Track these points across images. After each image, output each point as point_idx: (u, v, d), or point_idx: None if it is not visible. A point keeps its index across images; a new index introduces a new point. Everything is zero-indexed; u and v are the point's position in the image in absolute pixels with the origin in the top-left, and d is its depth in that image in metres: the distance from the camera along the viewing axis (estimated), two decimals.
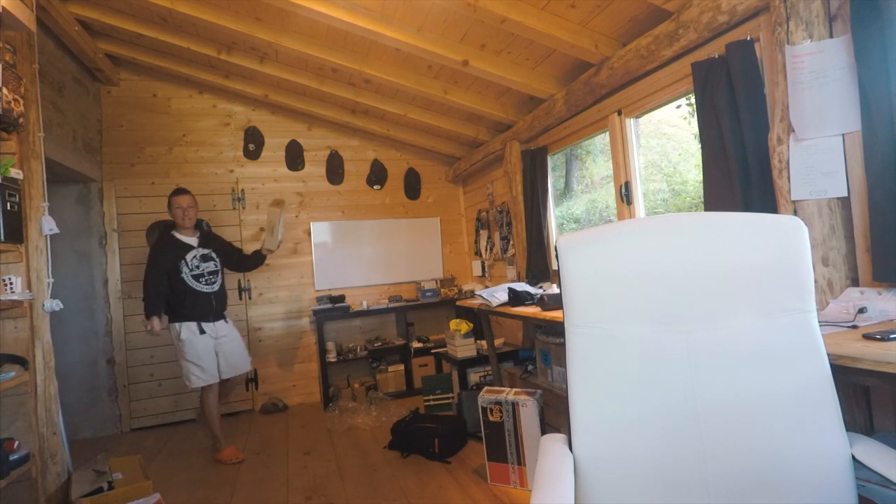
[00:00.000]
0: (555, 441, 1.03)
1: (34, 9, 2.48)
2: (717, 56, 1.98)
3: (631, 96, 2.63)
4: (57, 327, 2.75)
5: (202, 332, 3.08)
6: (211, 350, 3.12)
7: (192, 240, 3.18)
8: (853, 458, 0.94)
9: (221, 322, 3.23)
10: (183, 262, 3.09)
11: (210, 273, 3.17)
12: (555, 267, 3.12)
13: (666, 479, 0.96)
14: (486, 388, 2.69)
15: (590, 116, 2.97)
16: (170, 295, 3.10)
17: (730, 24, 1.94)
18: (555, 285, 3.23)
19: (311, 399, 4.43)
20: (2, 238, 2.12)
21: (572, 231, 1.09)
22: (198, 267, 3.13)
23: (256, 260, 3.44)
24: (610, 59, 2.54)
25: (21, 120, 2.33)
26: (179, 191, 3.19)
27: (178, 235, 3.15)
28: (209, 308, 3.13)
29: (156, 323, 2.98)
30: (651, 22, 2.30)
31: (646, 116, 2.78)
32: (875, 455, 0.91)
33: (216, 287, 3.19)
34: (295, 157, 4.56)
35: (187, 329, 3.06)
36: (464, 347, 3.74)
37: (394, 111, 3.97)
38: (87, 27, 3.40)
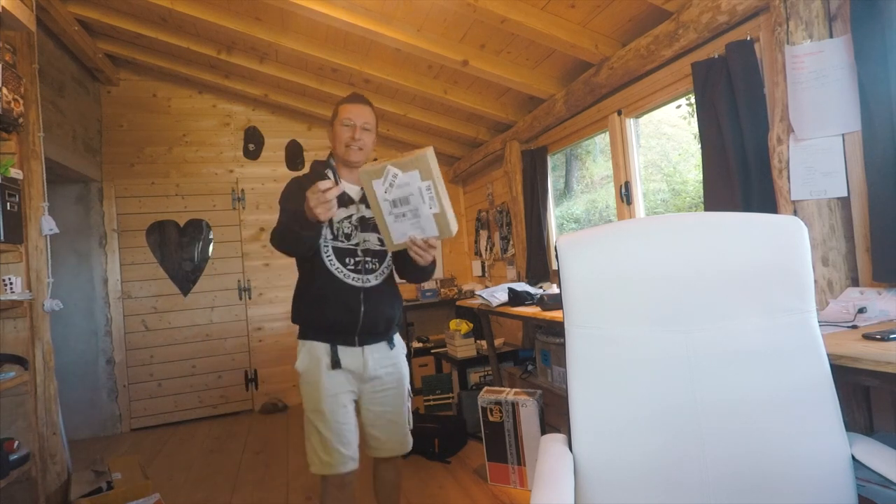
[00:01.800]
0: (554, 441, 1.03)
1: (34, 9, 2.48)
2: (716, 56, 1.98)
3: (631, 96, 2.64)
4: (57, 327, 2.75)
5: (335, 364, 1.59)
6: (348, 403, 1.63)
7: (356, 189, 1.67)
8: (853, 458, 0.94)
9: (380, 348, 1.68)
10: (327, 223, 1.60)
11: (370, 254, 1.66)
12: (555, 267, 3.12)
13: (666, 480, 0.96)
14: (486, 388, 2.69)
15: (590, 116, 2.97)
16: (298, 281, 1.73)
17: (730, 24, 1.94)
18: (555, 285, 3.23)
19: None
20: (2, 238, 2.12)
21: (572, 231, 1.09)
22: (348, 237, 1.63)
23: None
24: (610, 59, 2.54)
25: (21, 120, 2.33)
26: (354, 97, 1.71)
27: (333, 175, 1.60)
28: (353, 315, 1.61)
29: (323, 184, 1.38)
30: (651, 22, 2.30)
31: (646, 116, 2.77)
32: (875, 455, 0.91)
33: (374, 281, 1.66)
34: (295, 156, 4.56)
35: (309, 352, 1.62)
36: (464, 347, 3.73)
37: (394, 111, 3.97)
38: (87, 27, 3.40)
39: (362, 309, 1.60)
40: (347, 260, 1.61)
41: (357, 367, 1.61)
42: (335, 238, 1.60)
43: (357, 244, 1.62)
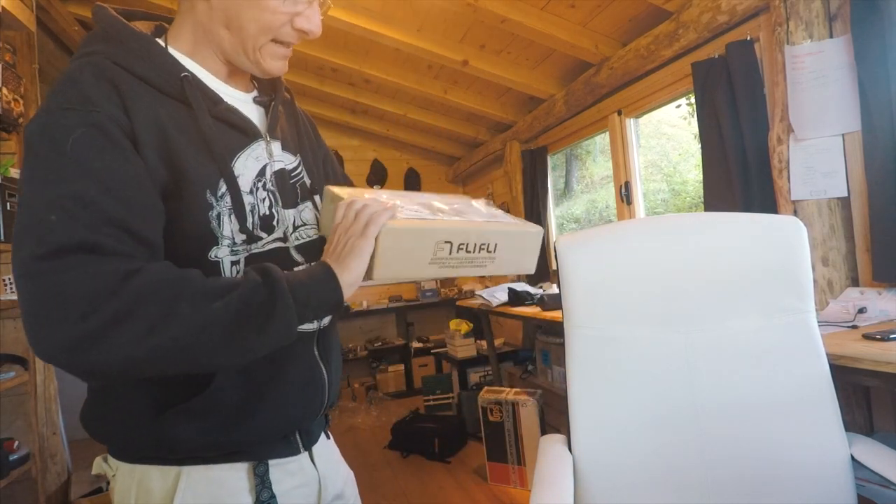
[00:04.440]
0: (554, 442, 1.03)
1: (34, 9, 2.48)
2: (717, 56, 1.98)
3: (631, 96, 2.63)
4: None
5: None
6: None
7: (252, 110, 0.76)
8: (852, 458, 0.94)
9: (324, 442, 0.83)
10: (224, 178, 0.65)
11: (311, 253, 0.75)
12: (554, 267, 3.12)
13: (665, 480, 0.96)
14: (486, 388, 2.69)
15: (590, 116, 2.97)
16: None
17: (730, 24, 1.94)
18: (555, 285, 3.23)
19: None
20: (2, 238, 2.13)
21: (572, 231, 1.09)
22: (267, 223, 0.69)
23: None
24: (610, 59, 2.54)
25: (21, 120, 2.33)
26: None
27: (213, 79, 0.71)
28: (313, 395, 0.73)
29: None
30: (651, 22, 2.30)
31: (646, 116, 2.78)
32: (874, 455, 0.91)
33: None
34: None
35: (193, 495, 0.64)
36: (464, 347, 3.73)
37: (394, 111, 3.97)
38: (87, 27, 3.40)
39: (325, 376, 0.76)
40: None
41: (308, 497, 0.75)
42: (250, 237, 0.67)
43: (284, 236, 0.72)
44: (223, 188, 0.65)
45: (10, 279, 2.22)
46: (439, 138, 4.56)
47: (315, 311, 0.60)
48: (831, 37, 1.60)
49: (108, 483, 0.66)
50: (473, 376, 3.76)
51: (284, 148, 0.77)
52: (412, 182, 4.91)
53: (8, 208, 2.17)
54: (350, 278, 0.61)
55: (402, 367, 4.45)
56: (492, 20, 2.46)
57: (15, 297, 2.21)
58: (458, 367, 3.70)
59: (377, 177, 4.79)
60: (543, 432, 2.46)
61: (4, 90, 2.18)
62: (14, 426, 2.24)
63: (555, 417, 2.85)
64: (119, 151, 0.58)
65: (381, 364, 4.50)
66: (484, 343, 3.68)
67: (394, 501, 2.44)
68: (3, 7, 2.17)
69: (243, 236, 0.66)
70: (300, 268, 0.73)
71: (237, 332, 0.55)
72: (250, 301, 0.55)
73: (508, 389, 2.62)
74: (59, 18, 3.01)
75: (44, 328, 0.51)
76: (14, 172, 2.26)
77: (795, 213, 1.65)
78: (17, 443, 2.11)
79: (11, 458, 2.06)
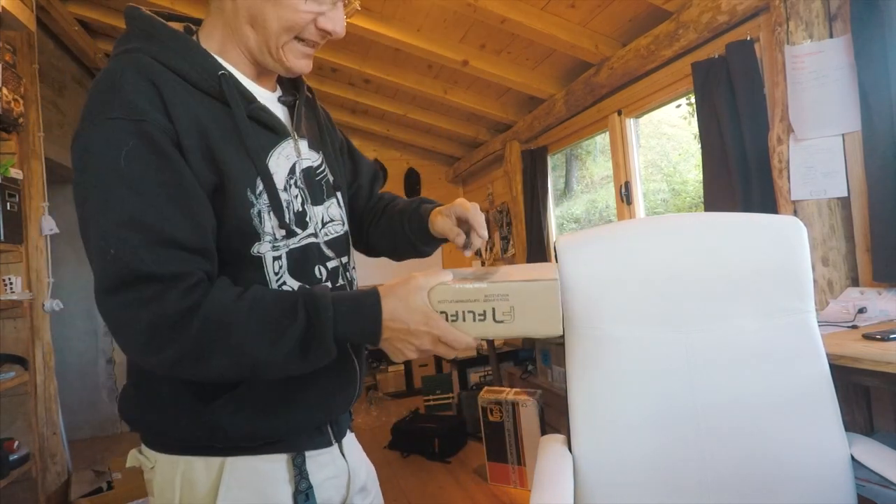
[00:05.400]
0: (554, 442, 1.03)
1: (34, 9, 2.48)
2: (717, 56, 1.98)
3: (631, 96, 2.63)
4: (57, 327, 2.75)
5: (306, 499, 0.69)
6: None
7: (277, 109, 0.75)
8: (852, 458, 0.94)
9: (349, 436, 0.86)
10: (260, 176, 0.67)
11: (340, 248, 0.79)
12: None
13: (665, 480, 0.96)
14: (486, 388, 2.69)
15: (590, 116, 2.97)
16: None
17: (730, 24, 1.94)
18: None
19: None
20: (2, 238, 2.12)
21: (572, 231, 1.09)
22: (301, 219, 0.72)
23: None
24: (610, 59, 2.54)
25: (21, 120, 2.33)
26: None
27: (244, 79, 0.72)
28: (348, 384, 0.76)
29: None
30: (651, 22, 2.30)
31: (646, 116, 2.78)
32: (874, 455, 0.91)
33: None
34: None
35: (236, 487, 0.66)
36: None
37: (394, 111, 3.97)
38: (87, 27, 3.40)
39: (357, 366, 0.77)
40: (316, 272, 0.73)
41: (339, 489, 0.77)
42: (289, 232, 0.70)
43: (315, 231, 0.75)
44: (260, 186, 0.67)
45: (9, 279, 2.22)
46: (439, 138, 4.56)
47: (351, 341, 0.65)
48: (831, 37, 1.60)
49: (109, 483, 0.68)
50: (473, 376, 3.76)
51: (310, 146, 0.79)
52: (412, 182, 4.91)
53: (8, 208, 2.17)
54: (386, 324, 0.62)
55: (402, 367, 4.45)
56: (492, 20, 2.46)
57: (15, 297, 2.21)
58: (458, 367, 3.70)
59: None
60: (543, 432, 2.46)
61: (4, 90, 2.18)
62: (14, 426, 2.24)
63: (555, 417, 2.85)
64: (169, 162, 0.60)
65: (381, 364, 4.50)
66: (484, 343, 3.69)
67: (394, 501, 2.44)
68: (3, 7, 2.17)
69: (283, 232, 0.69)
70: (332, 263, 0.77)
71: (285, 367, 0.61)
72: (296, 347, 0.60)
73: (508, 389, 2.62)
74: (59, 18, 3.01)
75: (129, 354, 0.62)
76: (14, 172, 2.26)
77: (795, 213, 1.65)
78: (17, 443, 2.11)
79: (11, 458, 2.06)
